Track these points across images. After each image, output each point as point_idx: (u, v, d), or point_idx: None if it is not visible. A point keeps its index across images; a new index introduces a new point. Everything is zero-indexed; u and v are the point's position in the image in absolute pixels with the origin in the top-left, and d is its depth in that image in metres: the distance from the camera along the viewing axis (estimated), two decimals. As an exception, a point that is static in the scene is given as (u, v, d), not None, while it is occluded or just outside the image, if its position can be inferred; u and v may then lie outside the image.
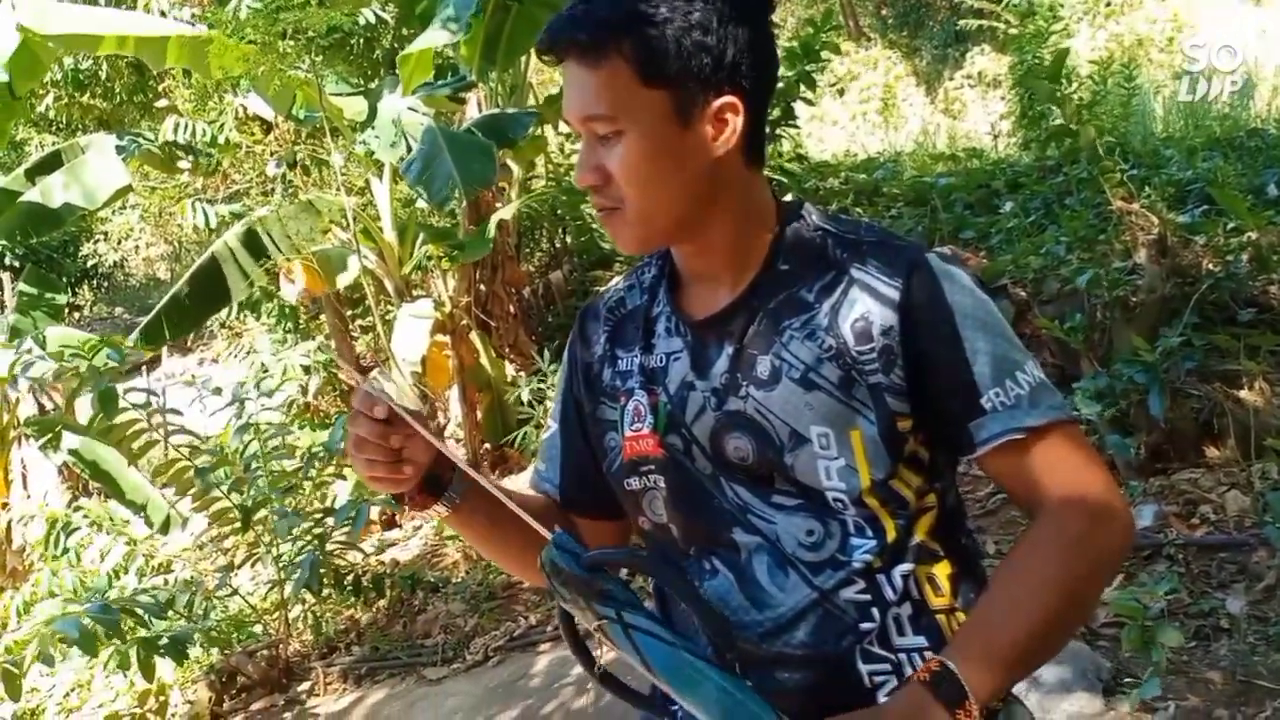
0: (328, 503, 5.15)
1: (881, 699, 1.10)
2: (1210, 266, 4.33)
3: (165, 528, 4.52)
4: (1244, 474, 3.70)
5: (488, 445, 6.21)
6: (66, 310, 12.71)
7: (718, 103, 1.09)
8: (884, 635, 1.11)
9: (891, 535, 1.10)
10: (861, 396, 1.09)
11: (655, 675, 0.99)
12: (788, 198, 1.23)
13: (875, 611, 1.10)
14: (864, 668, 1.10)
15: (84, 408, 5.41)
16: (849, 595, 1.10)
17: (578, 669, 3.85)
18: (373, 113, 5.14)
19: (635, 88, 1.07)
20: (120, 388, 4.35)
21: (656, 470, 1.18)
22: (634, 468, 1.20)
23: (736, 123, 1.10)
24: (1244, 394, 3.83)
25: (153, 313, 5.48)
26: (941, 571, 1.13)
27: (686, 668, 0.98)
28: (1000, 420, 1.07)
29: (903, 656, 1.11)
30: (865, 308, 1.10)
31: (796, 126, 7.12)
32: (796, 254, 1.15)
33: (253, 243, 5.48)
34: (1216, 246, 4.45)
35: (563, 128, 6.99)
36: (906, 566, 1.11)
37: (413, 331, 5.46)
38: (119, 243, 12.89)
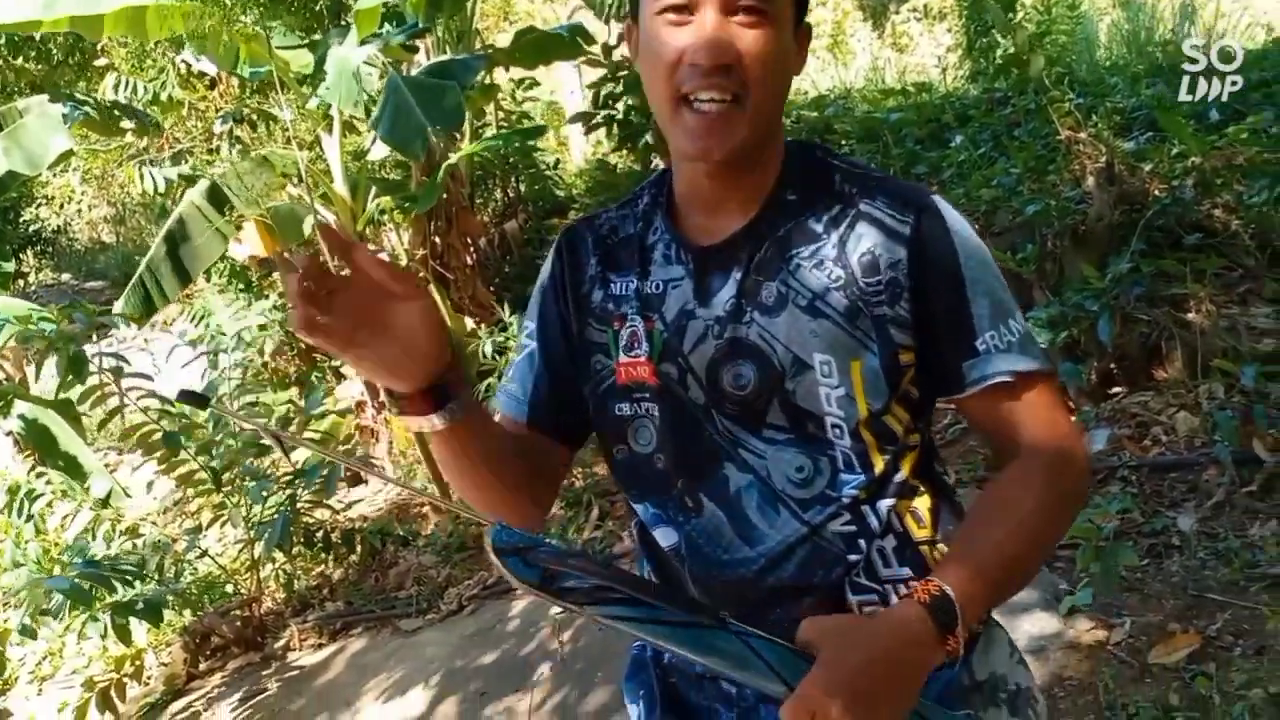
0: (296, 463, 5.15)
1: None
2: (1157, 193, 4.40)
3: (107, 500, 4.51)
4: (1192, 395, 3.80)
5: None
6: (12, 278, 12.48)
7: (802, 26, 1.15)
8: (870, 567, 1.13)
9: (879, 470, 1.13)
10: (865, 327, 1.10)
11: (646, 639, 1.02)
12: None
13: (861, 543, 1.13)
14: (853, 598, 1.13)
15: (40, 376, 5.34)
16: (836, 527, 1.12)
17: (555, 610, 3.94)
18: (320, 64, 5.06)
19: None
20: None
21: (651, 398, 1.18)
22: (627, 393, 1.19)
23: (806, 50, 1.17)
24: (1191, 317, 3.92)
25: (132, 281, 5.38)
26: (922, 505, 1.16)
27: (670, 635, 0.99)
28: (993, 362, 1.10)
29: (889, 587, 1.14)
30: (873, 241, 1.11)
31: (746, 66, 7.08)
32: (804, 184, 1.16)
33: (217, 200, 5.41)
34: (1162, 172, 4.52)
35: (515, 73, 6.91)
36: (890, 500, 1.14)
37: (373, 286, 5.42)
38: (60, 207, 12.64)
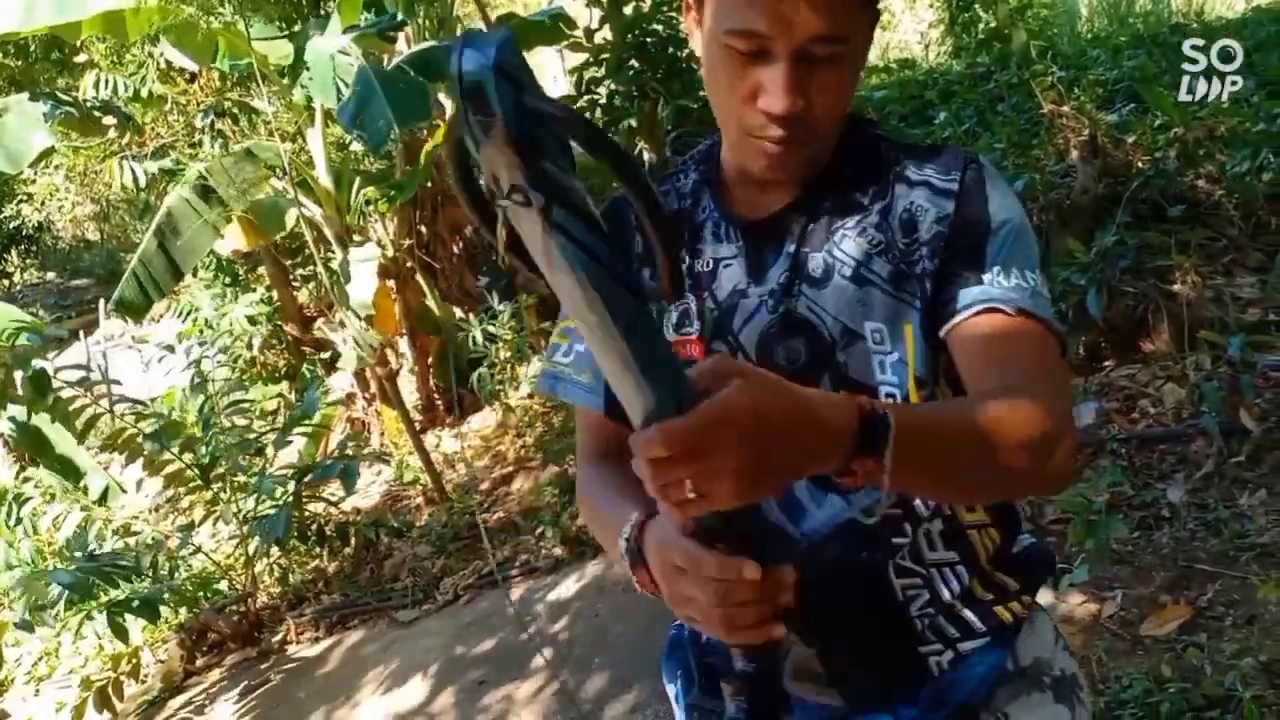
0: (287, 457, 5.15)
1: (914, 613, 1.12)
2: (1140, 164, 4.41)
3: (104, 498, 4.51)
4: (1179, 367, 3.82)
5: (441, 386, 6.21)
6: (-4, 278, 12.43)
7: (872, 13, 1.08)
8: (915, 550, 1.12)
9: None
10: (910, 289, 1.08)
11: (563, 284, 0.72)
12: None
13: (907, 526, 1.11)
14: (897, 581, 1.12)
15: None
16: (883, 510, 1.10)
17: (551, 597, 3.96)
18: (299, 56, 5.03)
19: (861, 9, 1.04)
20: (55, 362, 4.30)
21: None
22: None
23: (874, 29, 1.11)
24: (1176, 288, 3.93)
25: (125, 276, 5.35)
26: None
27: (603, 287, 0.71)
28: (994, 292, 1.03)
29: (933, 571, 1.12)
30: (917, 201, 1.09)
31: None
32: (855, 159, 1.14)
33: (206, 194, 5.39)
34: (1145, 144, 4.53)
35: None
36: None
37: (363, 277, 5.43)
38: (42, 204, 12.56)
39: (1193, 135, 4.40)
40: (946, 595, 1.13)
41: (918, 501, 1.11)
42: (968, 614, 1.14)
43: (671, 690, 1.30)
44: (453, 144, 0.72)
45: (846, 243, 1.11)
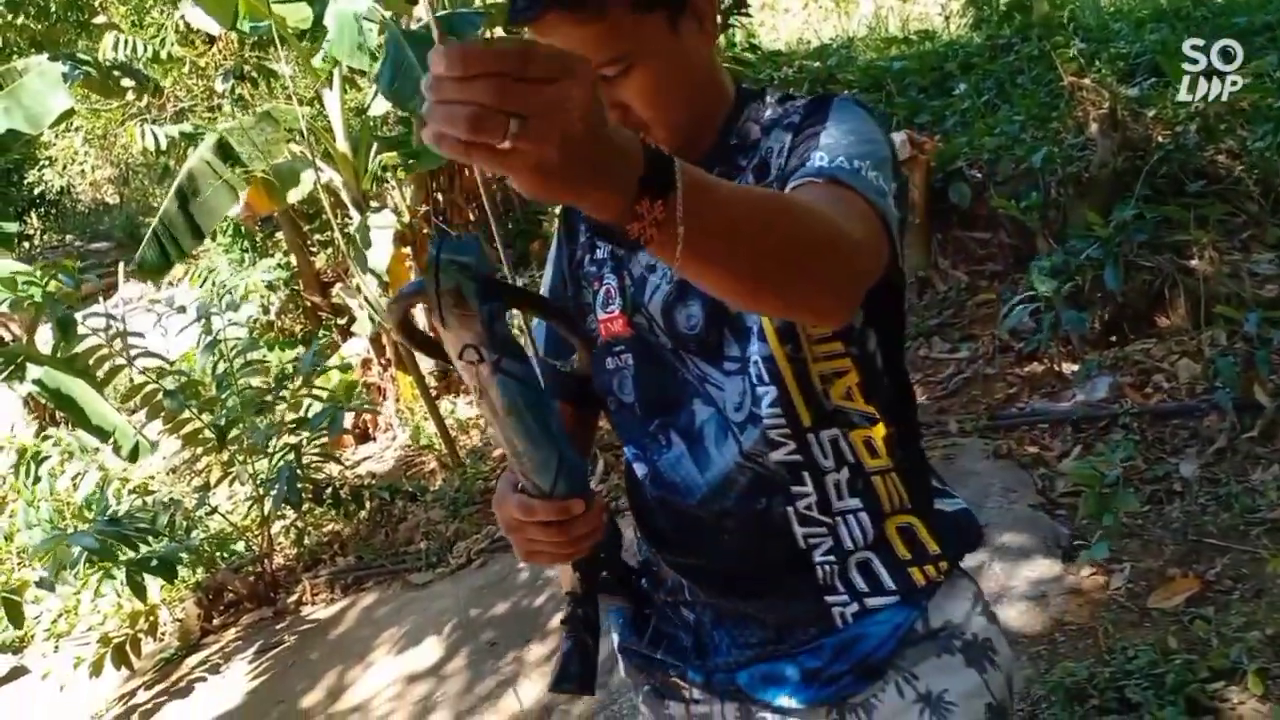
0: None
1: (817, 560, 1.17)
2: (1160, 139, 4.38)
3: (135, 455, 4.57)
4: (1194, 342, 3.82)
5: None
6: (17, 240, 12.50)
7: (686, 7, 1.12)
8: (824, 501, 1.16)
9: (789, 380, 1.13)
10: None
11: (506, 417, 0.86)
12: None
13: (806, 475, 1.15)
14: (799, 530, 1.17)
15: (46, 338, 5.37)
16: (779, 457, 1.15)
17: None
18: (319, 19, 5.02)
19: (636, 20, 1.08)
20: (80, 315, 4.33)
21: (627, 349, 1.23)
22: (609, 349, 1.25)
23: (715, 10, 1.16)
24: (1194, 263, 3.92)
25: (147, 237, 5.36)
26: (877, 434, 1.18)
27: (541, 422, 0.87)
28: (810, 169, 1.02)
29: (839, 519, 1.17)
30: (769, 144, 1.15)
31: (749, 15, 7.04)
32: (744, 129, 1.19)
33: (226, 155, 5.39)
34: (1165, 118, 4.50)
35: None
36: (833, 430, 1.16)
37: (380, 243, 5.43)
38: (64, 168, 12.61)
39: (1213, 110, 4.36)
40: (849, 543, 1.17)
41: (816, 450, 1.16)
42: (880, 570, 1.18)
43: (614, 634, 1.38)
44: (400, 311, 0.89)
45: None
